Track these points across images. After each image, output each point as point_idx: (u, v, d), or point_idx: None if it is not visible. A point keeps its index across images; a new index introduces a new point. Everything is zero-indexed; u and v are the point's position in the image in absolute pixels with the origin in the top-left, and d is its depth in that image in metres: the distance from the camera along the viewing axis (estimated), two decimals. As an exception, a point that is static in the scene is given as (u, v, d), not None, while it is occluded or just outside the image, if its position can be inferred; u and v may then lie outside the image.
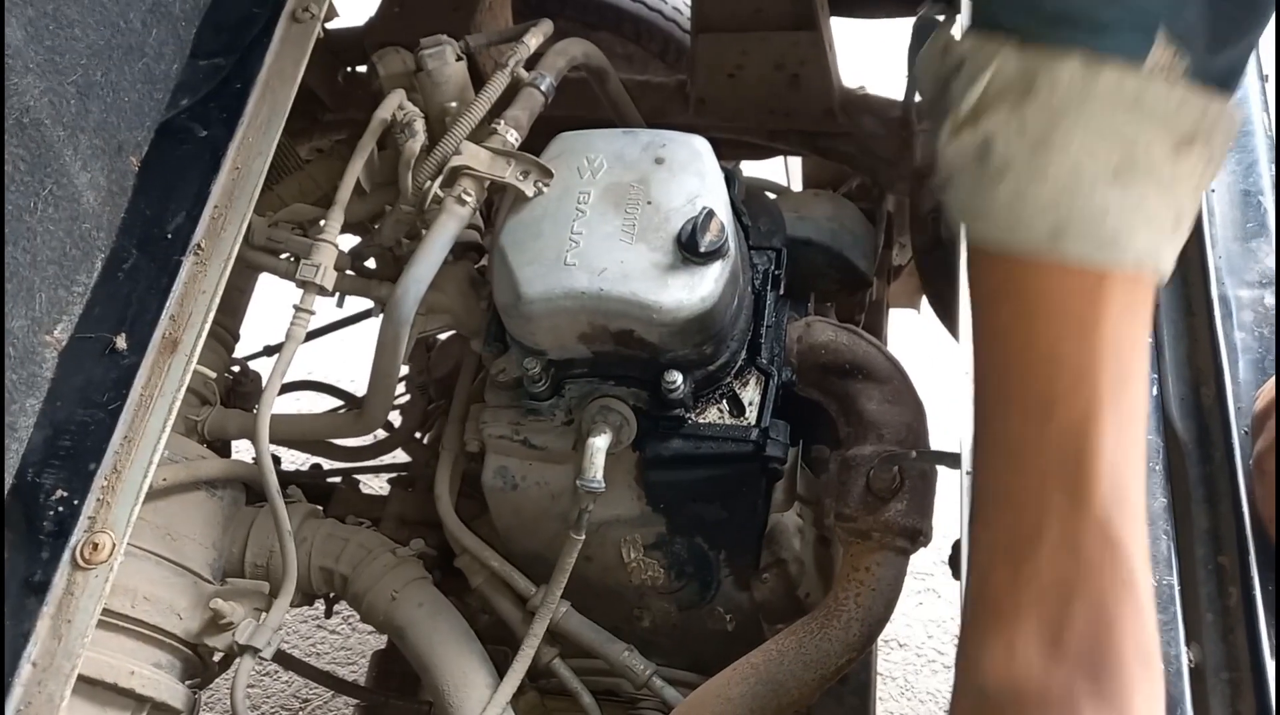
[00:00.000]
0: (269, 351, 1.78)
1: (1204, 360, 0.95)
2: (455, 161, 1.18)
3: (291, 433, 1.47)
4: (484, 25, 1.63)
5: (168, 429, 0.96)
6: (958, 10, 1.22)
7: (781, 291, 1.26)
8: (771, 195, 1.46)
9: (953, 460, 0.95)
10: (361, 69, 1.70)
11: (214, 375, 1.38)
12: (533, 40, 1.34)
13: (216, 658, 1.22)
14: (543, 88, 1.29)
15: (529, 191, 1.16)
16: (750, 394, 1.17)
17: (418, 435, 1.68)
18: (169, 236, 1.05)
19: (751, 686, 1.09)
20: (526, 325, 1.12)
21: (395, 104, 1.25)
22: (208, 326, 1.01)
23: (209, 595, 1.16)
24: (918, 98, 1.53)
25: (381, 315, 1.20)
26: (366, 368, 1.24)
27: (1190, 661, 0.79)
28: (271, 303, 1.70)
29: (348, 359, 2.19)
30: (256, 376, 1.68)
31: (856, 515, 1.09)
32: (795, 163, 1.92)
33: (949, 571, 0.94)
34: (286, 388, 1.69)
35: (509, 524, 1.26)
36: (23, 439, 0.93)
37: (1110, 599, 0.60)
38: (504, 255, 1.12)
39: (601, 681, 1.31)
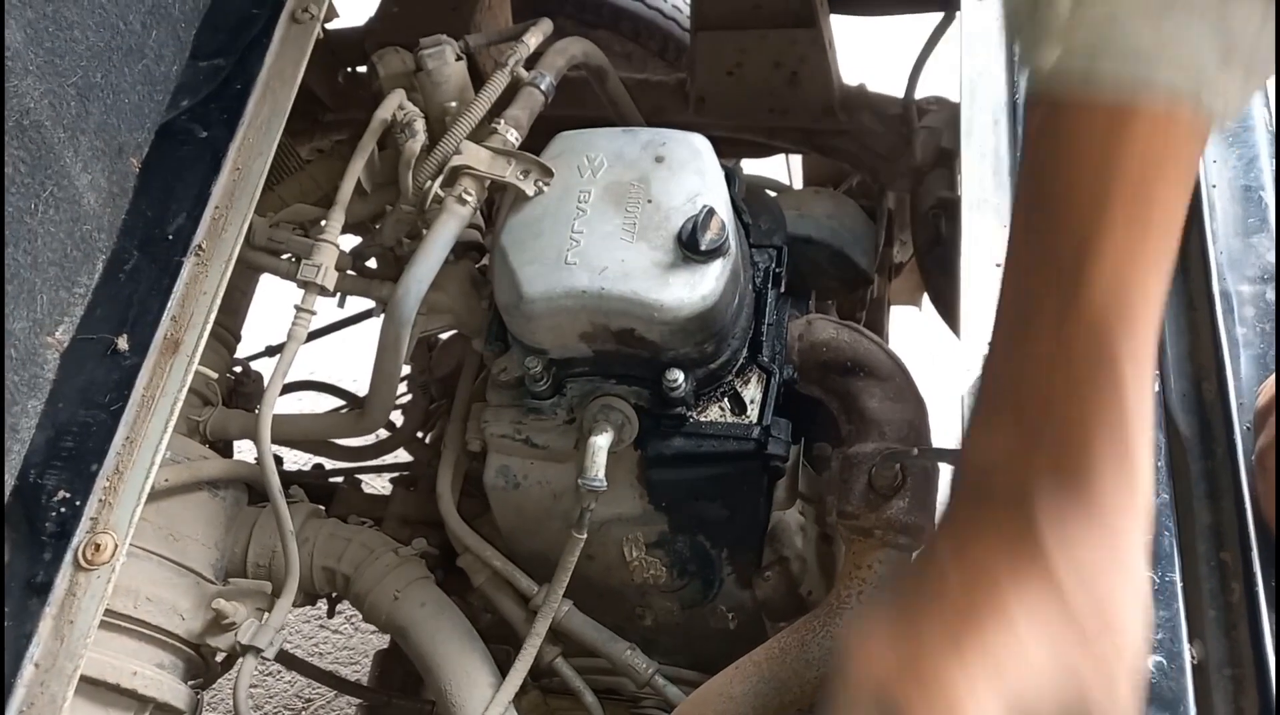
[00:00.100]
0: (270, 352, 1.78)
1: (1205, 356, 0.95)
2: (456, 161, 1.18)
3: (293, 433, 1.47)
4: (483, 25, 1.63)
5: (169, 429, 0.96)
6: (958, 8, 1.22)
7: (782, 289, 1.26)
8: (772, 193, 1.46)
9: (955, 457, 0.95)
10: (361, 69, 1.70)
11: (216, 376, 1.39)
12: (532, 39, 1.34)
13: (219, 658, 1.22)
14: (543, 87, 1.29)
15: (529, 191, 1.16)
16: (752, 392, 1.17)
17: (419, 435, 1.68)
18: (170, 237, 1.05)
19: (754, 685, 1.09)
20: (528, 324, 1.12)
21: (395, 104, 1.25)
22: (209, 327, 1.01)
23: (211, 595, 1.16)
24: None
25: (383, 315, 1.20)
26: (368, 368, 1.24)
27: (1193, 658, 0.79)
28: (273, 303, 1.70)
29: (349, 359, 2.19)
30: (258, 377, 1.68)
31: (858, 513, 1.09)
32: (795, 160, 1.93)
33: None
34: (288, 388, 1.69)
35: (511, 523, 1.26)
36: (25, 440, 0.93)
37: (1088, 404, 0.61)
38: (505, 254, 1.12)
39: (604, 680, 1.31)
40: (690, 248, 1.08)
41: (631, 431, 1.14)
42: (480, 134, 1.22)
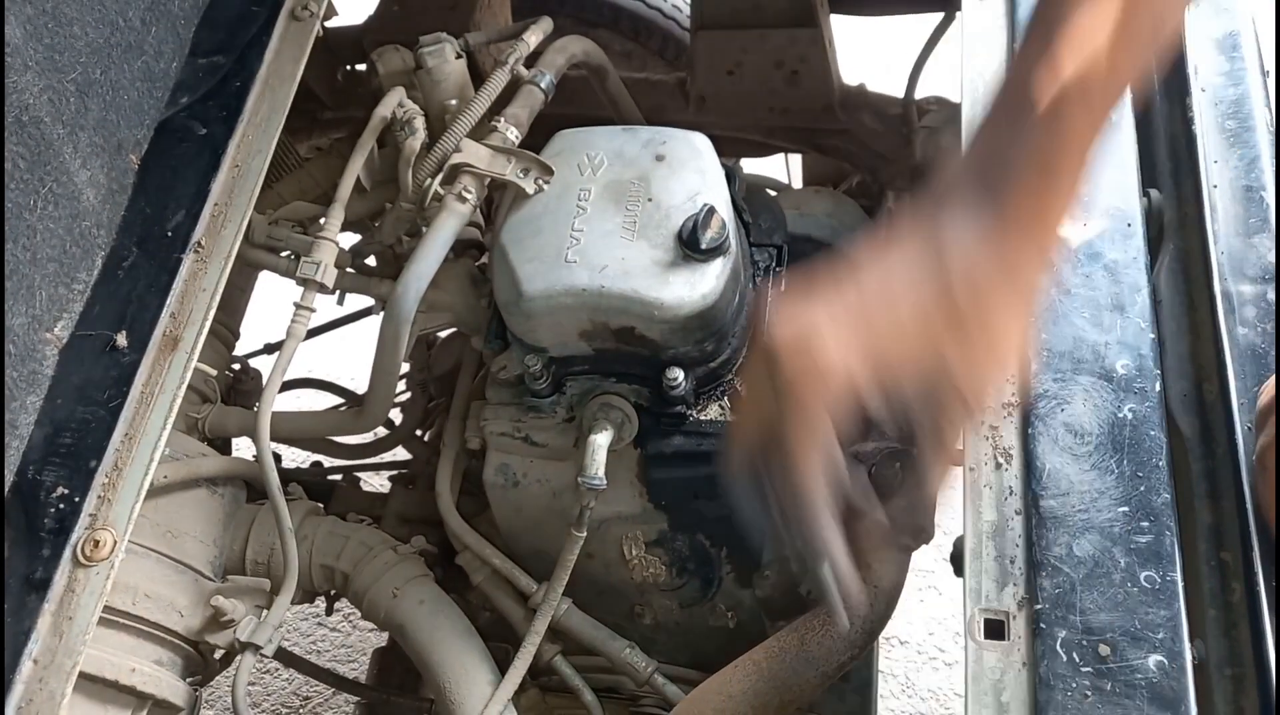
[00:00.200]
0: (269, 349, 1.78)
1: (1206, 356, 0.95)
2: (455, 159, 1.18)
3: (292, 430, 1.46)
4: (483, 23, 1.63)
5: (168, 426, 0.96)
6: (958, 8, 1.22)
7: (782, 288, 1.26)
8: (772, 192, 1.46)
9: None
10: (361, 67, 1.70)
11: (214, 373, 1.38)
12: (532, 38, 1.34)
13: (217, 655, 1.22)
14: (543, 85, 1.29)
15: (529, 189, 1.15)
16: (751, 391, 1.17)
17: (418, 433, 1.68)
18: (169, 234, 1.05)
19: (753, 684, 1.09)
20: (527, 322, 1.12)
21: (395, 102, 1.24)
22: (208, 324, 1.01)
23: (210, 592, 1.16)
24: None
25: (382, 313, 1.20)
26: (367, 365, 1.24)
27: (1194, 657, 0.79)
28: (272, 300, 1.70)
29: (348, 357, 2.19)
30: (257, 374, 1.68)
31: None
32: (795, 160, 1.92)
33: (950, 569, 0.94)
34: (287, 385, 1.69)
35: (510, 521, 1.26)
36: (23, 436, 0.93)
37: (1020, 135, 0.72)
38: (505, 252, 1.12)
39: (603, 679, 1.31)
40: (690, 246, 1.07)
41: (631, 430, 1.14)
42: (480, 132, 1.22)
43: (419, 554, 1.29)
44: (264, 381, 1.40)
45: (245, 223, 1.07)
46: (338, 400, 1.89)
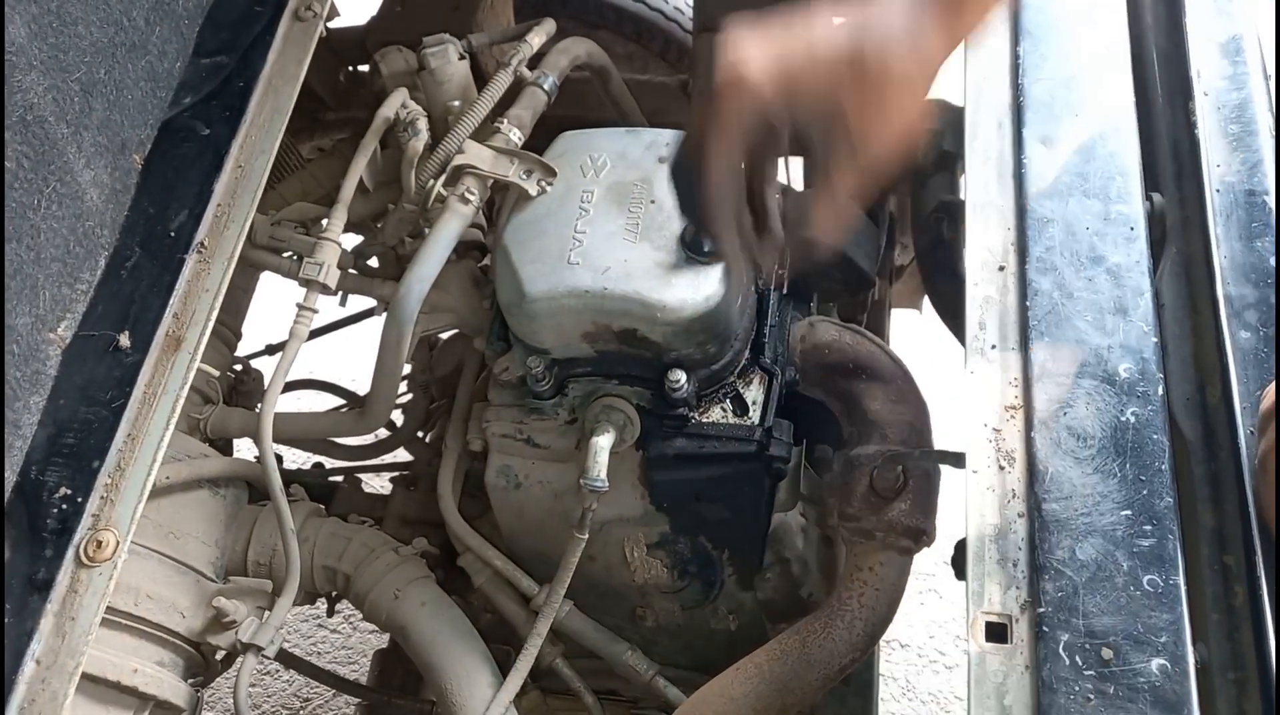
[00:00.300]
0: (271, 350, 1.78)
1: (1209, 360, 0.95)
2: (458, 160, 1.18)
3: (294, 431, 1.46)
4: (486, 24, 1.63)
5: (171, 427, 0.96)
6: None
7: (784, 291, 1.26)
8: (774, 195, 1.46)
9: (956, 460, 0.95)
10: (363, 68, 1.70)
11: (217, 373, 1.38)
12: (535, 39, 1.34)
13: (219, 656, 1.22)
14: (546, 87, 1.29)
15: (532, 190, 1.15)
16: (754, 393, 1.17)
17: (420, 434, 1.68)
18: (172, 234, 1.05)
19: (755, 686, 1.09)
20: (530, 324, 1.12)
21: (398, 103, 1.25)
22: (211, 325, 1.01)
23: (212, 594, 1.16)
24: None
25: (384, 314, 1.20)
26: (369, 366, 1.24)
27: (1197, 661, 0.79)
28: (274, 301, 1.70)
29: (350, 358, 2.19)
30: (259, 375, 1.68)
31: (860, 515, 1.09)
32: (795, 161, 1.92)
33: (951, 572, 0.94)
34: (289, 386, 1.69)
35: (512, 523, 1.26)
36: (26, 436, 0.93)
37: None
38: (507, 254, 1.12)
39: (604, 681, 1.31)
40: (693, 249, 1.08)
41: (633, 432, 1.14)
42: (483, 133, 1.22)
43: (421, 556, 1.29)
44: (266, 382, 1.40)
45: (248, 223, 1.07)
46: (340, 401, 1.88)
